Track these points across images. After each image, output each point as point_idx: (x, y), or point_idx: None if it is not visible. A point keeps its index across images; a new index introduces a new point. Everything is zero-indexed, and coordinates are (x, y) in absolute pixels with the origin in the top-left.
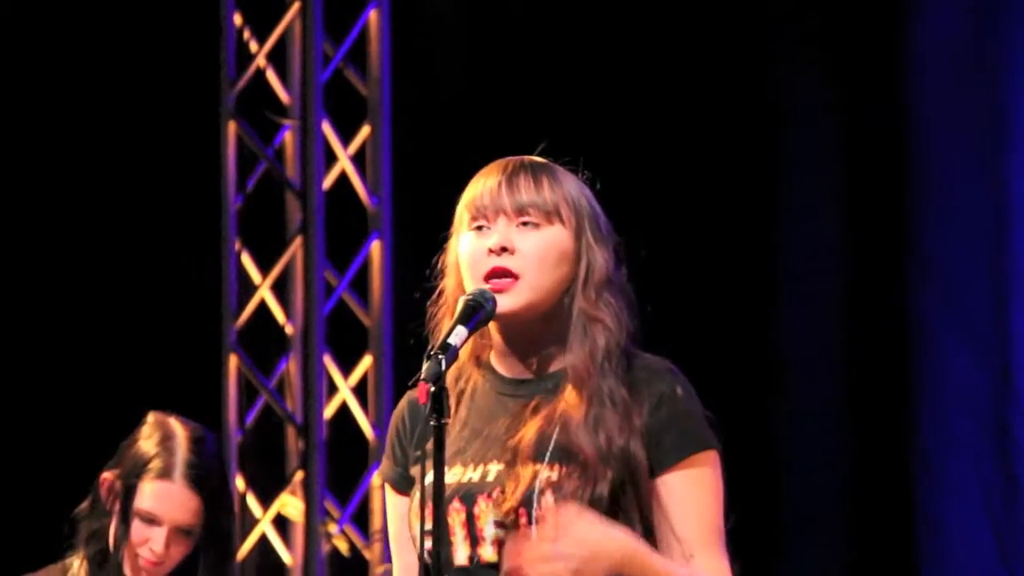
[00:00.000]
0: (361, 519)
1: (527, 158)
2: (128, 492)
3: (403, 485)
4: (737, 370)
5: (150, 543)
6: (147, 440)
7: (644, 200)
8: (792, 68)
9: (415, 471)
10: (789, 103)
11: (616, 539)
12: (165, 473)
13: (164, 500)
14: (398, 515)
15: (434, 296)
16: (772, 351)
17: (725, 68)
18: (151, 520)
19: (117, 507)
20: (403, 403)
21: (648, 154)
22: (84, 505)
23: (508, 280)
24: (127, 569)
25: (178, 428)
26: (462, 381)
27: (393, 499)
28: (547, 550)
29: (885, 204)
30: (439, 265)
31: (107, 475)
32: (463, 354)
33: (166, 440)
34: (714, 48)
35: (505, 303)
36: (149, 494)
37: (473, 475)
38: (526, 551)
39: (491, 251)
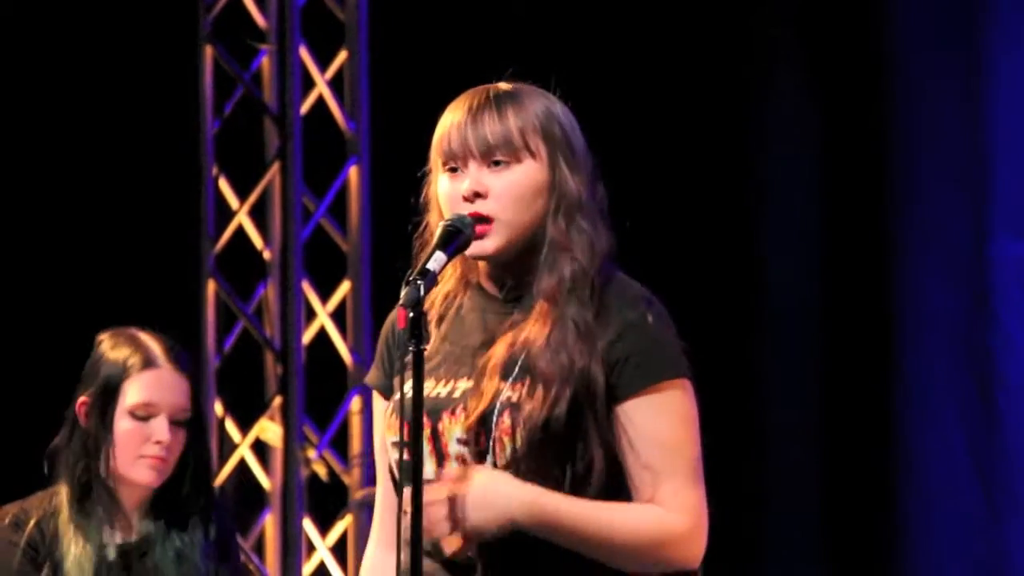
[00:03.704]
0: (340, 444)
1: (492, 88)
2: (109, 397)
3: (390, 393)
4: (715, 299)
5: (153, 436)
6: (113, 349)
7: (622, 130)
8: (776, 4)
9: (396, 380)
10: (770, 34)
11: (516, 492)
12: (149, 362)
13: (156, 387)
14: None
15: (419, 230)
16: (751, 279)
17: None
18: (148, 413)
19: (99, 425)
20: (394, 313)
21: (627, 75)
22: (61, 436)
23: (485, 225)
24: (118, 488)
25: (137, 330)
26: (450, 300)
27: (381, 406)
28: (433, 494)
29: (865, 131)
30: (423, 198)
31: (83, 398)
32: (452, 275)
33: (133, 340)
34: None
35: (485, 246)
36: (139, 387)
37: (442, 390)
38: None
39: (465, 197)
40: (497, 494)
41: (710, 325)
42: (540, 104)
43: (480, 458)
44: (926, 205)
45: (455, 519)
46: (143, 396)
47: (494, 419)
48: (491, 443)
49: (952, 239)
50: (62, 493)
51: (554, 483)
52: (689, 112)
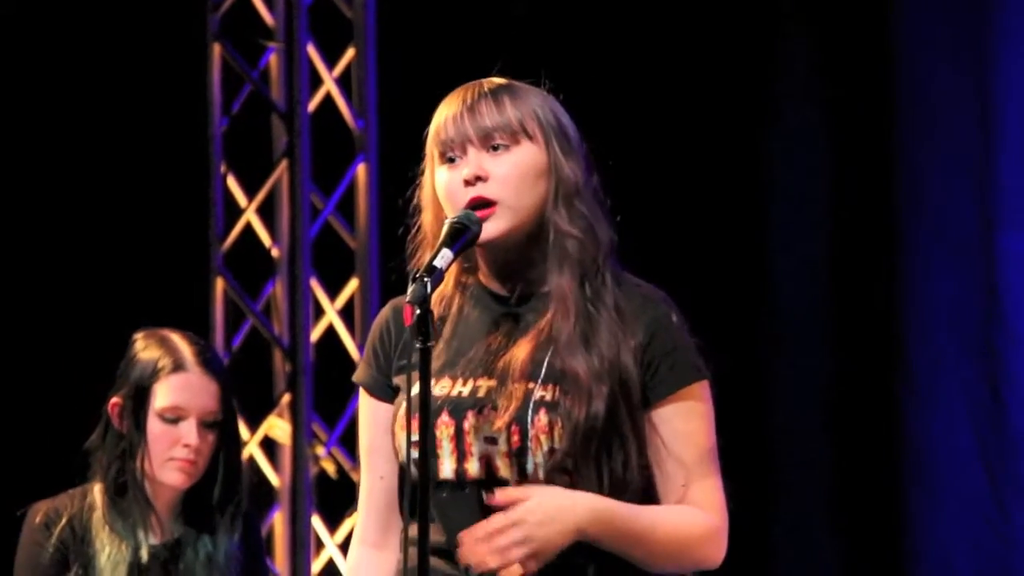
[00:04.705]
0: (348, 441)
1: (486, 82)
2: (140, 399)
3: (381, 392)
4: (723, 295)
5: (182, 440)
6: (145, 350)
7: (630, 125)
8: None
9: (399, 380)
10: (778, 30)
11: (576, 501)
12: (179, 365)
13: (185, 390)
14: (373, 421)
15: (412, 232)
16: (759, 274)
17: None
18: (177, 416)
19: (132, 427)
20: (387, 311)
21: (634, 69)
22: (95, 436)
23: (488, 208)
24: (152, 489)
25: (170, 332)
26: (445, 306)
27: (369, 404)
28: (498, 522)
29: (873, 129)
30: (414, 201)
31: (116, 399)
32: (447, 281)
33: (165, 342)
34: None
35: (488, 230)
36: (168, 390)
37: (463, 389)
38: (477, 529)
39: (466, 182)
40: (559, 507)
41: (718, 321)
42: (535, 95)
43: (516, 456)
44: (933, 200)
45: (524, 542)
46: (172, 399)
47: (529, 417)
48: (528, 441)
49: (959, 234)
50: (95, 492)
51: (595, 484)
52: (696, 109)
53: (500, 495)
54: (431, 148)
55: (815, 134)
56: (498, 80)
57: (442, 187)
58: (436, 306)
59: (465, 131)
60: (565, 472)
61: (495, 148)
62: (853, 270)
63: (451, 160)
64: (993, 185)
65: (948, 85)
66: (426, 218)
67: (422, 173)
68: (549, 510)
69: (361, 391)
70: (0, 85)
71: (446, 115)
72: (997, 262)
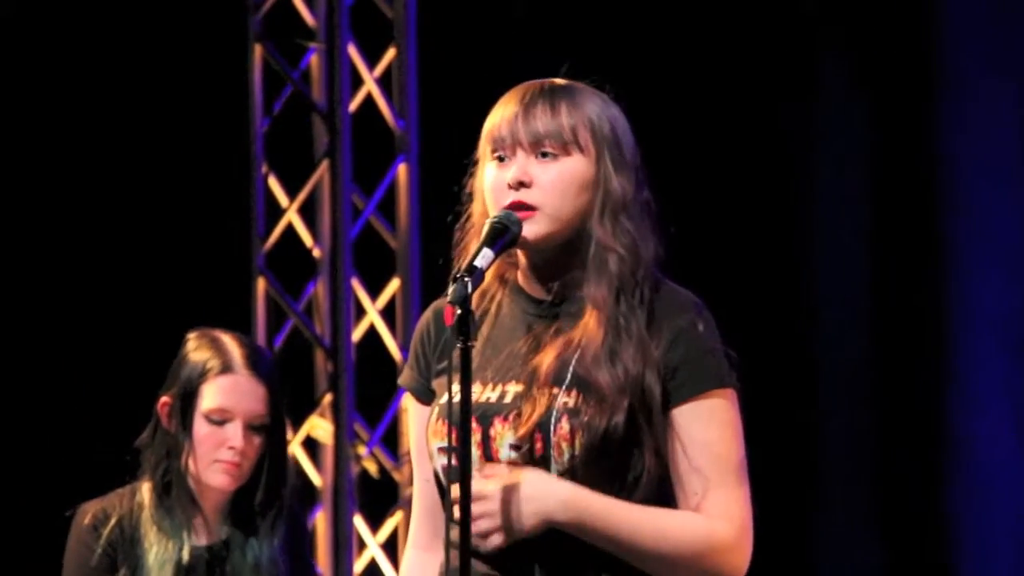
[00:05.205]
0: (390, 441)
1: (547, 82)
2: (188, 400)
3: (425, 395)
4: (767, 302)
5: (227, 441)
6: (196, 351)
7: (670, 124)
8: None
9: (436, 385)
10: (818, 32)
11: (552, 488)
12: (227, 367)
13: (232, 392)
14: (419, 424)
15: (461, 220)
16: (800, 275)
17: None
18: (223, 418)
19: (179, 427)
20: (428, 314)
21: (677, 73)
22: (144, 435)
23: (528, 212)
24: (198, 490)
25: (222, 333)
26: (487, 300)
27: (415, 408)
28: (479, 489)
29: (915, 128)
30: (467, 189)
31: (165, 398)
32: (489, 273)
33: (215, 343)
34: None
35: (525, 231)
36: (215, 391)
37: (491, 395)
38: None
39: (510, 185)
40: (536, 490)
41: (762, 327)
42: (594, 103)
43: (539, 463)
44: (975, 204)
45: (488, 516)
46: (219, 401)
47: (552, 425)
48: (550, 449)
49: (1001, 237)
50: (144, 490)
51: (607, 489)
52: (738, 115)
53: (491, 470)
54: (484, 141)
55: (858, 138)
56: (559, 81)
57: (488, 184)
58: (477, 301)
59: (516, 133)
60: (577, 480)
61: (544, 155)
62: (896, 273)
63: (501, 159)
64: None
65: (991, 91)
66: (476, 208)
67: (476, 163)
68: (525, 491)
69: (407, 395)
70: (44, 85)
71: (502, 114)
72: None
